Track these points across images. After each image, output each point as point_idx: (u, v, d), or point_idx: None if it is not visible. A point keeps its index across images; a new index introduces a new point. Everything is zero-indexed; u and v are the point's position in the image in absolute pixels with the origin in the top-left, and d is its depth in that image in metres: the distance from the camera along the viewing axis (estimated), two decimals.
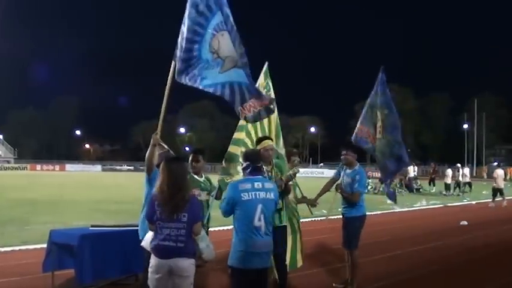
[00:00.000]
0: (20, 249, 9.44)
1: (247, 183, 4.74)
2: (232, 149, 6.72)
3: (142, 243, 4.73)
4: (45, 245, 6.67)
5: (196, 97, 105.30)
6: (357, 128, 7.33)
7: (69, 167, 77.16)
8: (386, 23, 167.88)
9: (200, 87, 5.53)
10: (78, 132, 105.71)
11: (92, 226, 6.77)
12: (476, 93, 78.79)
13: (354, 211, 7.02)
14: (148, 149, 5.52)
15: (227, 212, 4.75)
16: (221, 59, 5.49)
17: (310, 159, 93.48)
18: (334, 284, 7.14)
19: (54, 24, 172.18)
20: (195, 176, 6.24)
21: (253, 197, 4.66)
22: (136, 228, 5.63)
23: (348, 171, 7.13)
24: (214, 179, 6.60)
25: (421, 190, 30.00)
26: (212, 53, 5.54)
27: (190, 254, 4.39)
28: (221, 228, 10.74)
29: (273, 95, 6.94)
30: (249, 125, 6.68)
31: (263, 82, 7.06)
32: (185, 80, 5.53)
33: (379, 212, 17.60)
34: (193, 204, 4.44)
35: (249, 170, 4.81)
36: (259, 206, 4.64)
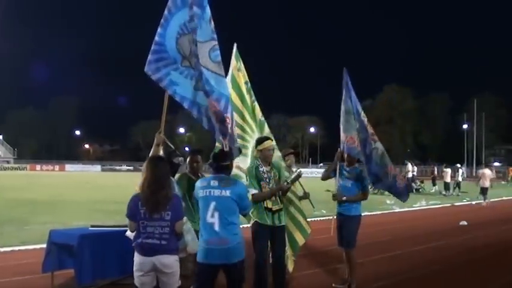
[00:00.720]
0: (19, 250, 9.42)
1: (205, 181, 4.90)
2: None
3: (127, 233, 4.87)
4: (44, 245, 6.65)
5: None
6: (342, 137, 7.15)
7: (68, 167, 77.14)
8: (385, 22, 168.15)
9: (169, 92, 5.40)
10: (77, 132, 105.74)
11: (92, 226, 6.75)
12: (476, 93, 78.99)
13: (353, 210, 7.01)
14: (152, 148, 5.49)
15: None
16: (193, 70, 5.32)
17: (310, 159, 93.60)
18: (333, 285, 7.13)
19: (54, 24, 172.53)
20: (193, 177, 6.06)
21: (207, 194, 4.78)
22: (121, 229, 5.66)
23: (347, 168, 7.13)
24: None
25: (420, 190, 29.98)
26: (182, 56, 5.39)
27: (174, 250, 4.50)
28: None
29: (246, 77, 6.97)
30: (237, 117, 6.56)
31: (236, 64, 6.99)
32: (152, 72, 5.38)
33: (378, 212, 17.58)
34: (176, 202, 4.53)
35: (214, 167, 4.93)
36: (212, 203, 4.73)
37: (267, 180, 6.00)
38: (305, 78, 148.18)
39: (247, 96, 6.97)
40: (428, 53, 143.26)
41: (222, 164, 4.92)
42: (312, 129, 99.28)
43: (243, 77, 7.00)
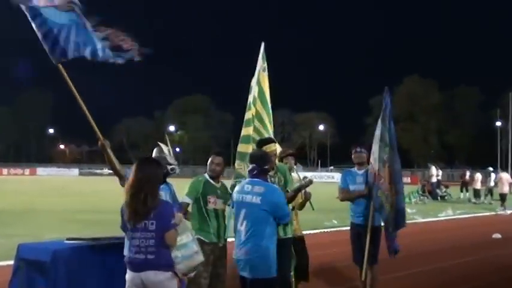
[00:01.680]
0: None
1: (240, 184, 5.23)
2: (241, 147, 6.84)
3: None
4: (12, 262, 6.61)
5: (187, 90, 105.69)
6: (373, 167, 6.99)
7: (40, 170, 77.22)
8: (405, 4, 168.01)
9: (87, 56, 5.34)
10: (51, 131, 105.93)
11: (68, 239, 6.71)
12: (511, 86, 78.87)
13: (375, 220, 7.00)
14: (107, 158, 5.41)
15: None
16: (73, 8, 5.19)
17: (319, 161, 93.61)
18: None
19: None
20: (212, 182, 6.12)
21: (240, 199, 5.08)
22: (120, 241, 5.62)
23: (359, 172, 7.13)
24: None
25: (446, 197, 29.97)
26: (54, 7, 5.19)
27: (165, 266, 4.42)
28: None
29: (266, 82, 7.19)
30: (256, 121, 6.86)
31: (262, 64, 7.19)
32: (61, 55, 5.32)
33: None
34: (163, 210, 4.44)
35: (254, 172, 5.12)
36: (243, 210, 5.01)
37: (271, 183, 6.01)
38: (313, 69, 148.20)
39: (269, 102, 7.16)
40: (455, 40, 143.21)
41: (261, 167, 5.12)
42: (321, 127, 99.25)
43: (267, 79, 7.21)
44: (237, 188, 5.24)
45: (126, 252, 4.64)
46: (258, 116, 7.01)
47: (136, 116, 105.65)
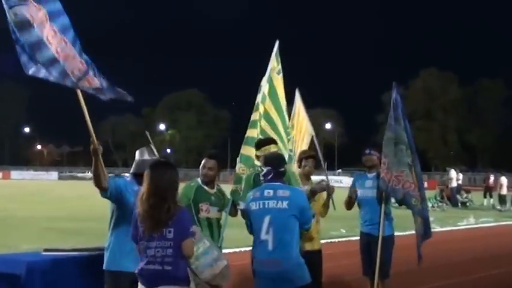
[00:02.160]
0: None
1: (257, 191, 5.26)
2: (245, 150, 6.85)
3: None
4: None
5: (179, 85, 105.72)
6: (384, 174, 6.97)
7: (15, 174, 77.21)
8: None
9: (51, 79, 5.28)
10: (27, 130, 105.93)
11: (45, 250, 6.72)
12: None
13: (388, 228, 7.00)
14: (93, 167, 5.34)
15: (247, 225, 5.38)
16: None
17: (325, 163, 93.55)
18: None
19: None
20: (205, 187, 6.14)
21: (261, 206, 5.12)
22: (102, 253, 5.62)
23: (369, 176, 7.14)
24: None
25: (467, 204, 29.96)
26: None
27: (183, 280, 4.50)
28: (233, 250, 10.82)
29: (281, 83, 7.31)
30: (263, 121, 6.95)
31: (275, 66, 7.30)
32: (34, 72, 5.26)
33: (413, 232, 17.51)
34: (182, 217, 4.52)
35: (270, 176, 5.26)
36: (267, 218, 5.04)
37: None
38: (318, 61, 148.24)
39: (283, 107, 7.29)
40: (477, 28, 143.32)
41: (277, 170, 5.24)
42: (327, 126, 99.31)
43: (281, 82, 7.34)
44: (252, 195, 5.27)
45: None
46: (268, 117, 7.07)
47: (123, 113, 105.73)
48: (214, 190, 6.23)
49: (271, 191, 5.13)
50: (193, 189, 6.07)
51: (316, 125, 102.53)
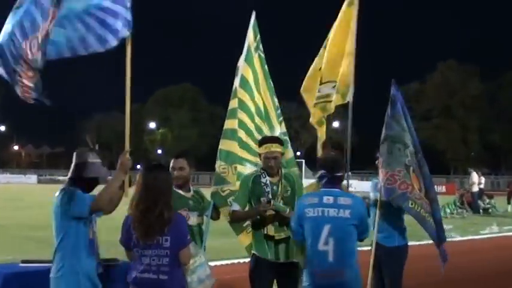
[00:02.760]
0: None
1: (315, 196, 5.39)
2: (224, 144, 6.78)
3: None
4: None
5: (171, 79, 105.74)
6: (381, 174, 7.11)
7: None
8: None
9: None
10: (2, 128, 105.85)
11: (23, 262, 6.72)
12: None
13: (399, 238, 6.99)
14: (116, 177, 5.31)
15: (295, 231, 5.45)
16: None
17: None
18: None
19: None
20: (180, 191, 6.10)
21: (319, 214, 5.25)
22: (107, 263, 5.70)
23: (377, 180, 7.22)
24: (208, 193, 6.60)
25: (490, 210, 29.94)
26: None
27: None
28: (218, 262, 10.77)
29: (262, 54, 7.33)
30: (239, 111, 6.88)
31: (253, 40, 7.23)
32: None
33: (431, 241, 17.49)
34: (178, 224, 4.69)
35: (324, 180, 5.41)
36: (327, 227, 5.19)
37: (269, 195, 6.04)
38: None
39: (263, 84, 7.30)
40: (500, 18, 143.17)
41: (333, 174, 5.37)
42: (335, 124, 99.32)
43: (259, 59, 7.29)
44: (307, 201, 5.37)
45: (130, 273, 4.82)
46: (249, 105, 7.03)
47: (109, 110, 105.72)
48: (191, 193, 6.20)
49: (331, 198, 5.28)
50: None
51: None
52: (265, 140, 6.32)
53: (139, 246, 4.62)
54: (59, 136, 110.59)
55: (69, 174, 5.56)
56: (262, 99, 7.20)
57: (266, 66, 7.35)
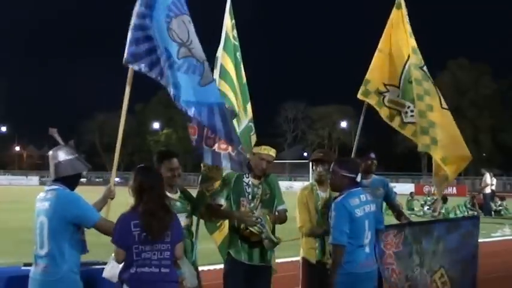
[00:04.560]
0: None
1: (354, 197, 5.83)
2: None
3: (105, 274, 5.27)
4: None
5: None
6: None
7: None
8: None
9: (172, 98, 6.02)
10: (3, 129, 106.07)
11: (25, 265, 6.74)
12: None
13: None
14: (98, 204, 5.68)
15: (345, 235, 5.69)
16: (193, 60, 5.89)
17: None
18: None
19: None
20: (168, 194, 6.11)
21: (363, 212, 5.81)
22: (88, 267, 5.77)
23: (365, 182, 7.36)
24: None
25: (502, 212, 29.87)
26: (178, 44, 5.85)
27: (175, 281, 5.03)
28: (211, 267, 10.76)
29: (237, 42, 7.51)
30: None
31: (230, 27, 7.41)
32: (146, 66, 5.98)
33: None
34: (177, 220, 5.09)
35: (354, 182, 5.92)
36: (367, 222, 5.82)
37: (249, 197, 6.19)
38: (333, 52, 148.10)
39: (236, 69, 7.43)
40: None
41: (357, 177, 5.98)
42: (343, 124, 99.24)
43: (233, 47, 7.45)
44: (352, 202, 5.77)
45: (109, 267, 5.23)
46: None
47: (111, 110, 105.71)
48: (178, 194, 6.19)
49: (364, 196, 5.90)
50: None
51: (330, 123, 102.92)
52: (264, 143, 6.43)
53: (141, 243, 4.84)
54: (61, 137, 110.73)
55: (52, 177, 5.61)
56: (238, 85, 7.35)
57: (239, 53, 7.48)
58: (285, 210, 6.43)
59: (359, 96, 8.26)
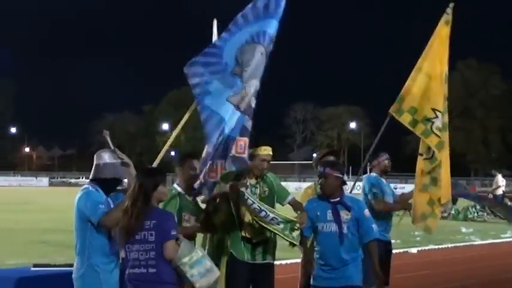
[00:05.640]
0: None
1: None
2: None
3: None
4: None
5: (184, 80, 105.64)
6: None
7: (0, 179, 77.39)
8: None
9: (196, 100, 6.50)
10: (13, 130, 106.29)
11: (35, 266, 6.77)
12: None
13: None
14: (123, 201, 5.29)
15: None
16: (240, 79, 6.28)
17: (350, 167, 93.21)
18: None
19: None
20: (186, 195, 6.15)
21: None
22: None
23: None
24: None
25: None
26: (236, 62, 6.33)
27: (168, 283, 4.85)
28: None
29: None
30: None
31: None
32: (191, 75, 6.50)
33: (450, 245, 17.55)
34: (163, 219, 4.89)
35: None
36: None
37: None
38: (342, 52, 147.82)
39: None
40: None
41: None
42: (352, 125, 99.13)
43: None
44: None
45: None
46: None
47: (121, 111, 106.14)
48: (191, 197, 6.25)
49: None
50: (177, 198, 6.04)
51: (339, 124, 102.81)
52: (263, 144, 6.43)
53: (128, 242, 4.82)
54: (71, 138, 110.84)
55: (90, 176, 5.63)
56: None
57: None
58: (294, 199, 6.40)
59: (392, 113, 7.89)
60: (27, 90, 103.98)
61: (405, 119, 7.70)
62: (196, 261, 5.01)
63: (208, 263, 5.13)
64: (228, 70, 6.32)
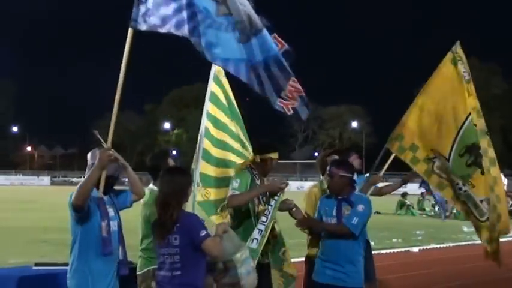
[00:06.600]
0: None
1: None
2: (202, 167, 7.26)
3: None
4: None
5: (186, 79, 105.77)
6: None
7: (2, 179, 77.53)
8: None
9: (208, 58, 5.72)
10: (15, 129, 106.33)
11: (36, 265, 6.77)
12: None
13: None
14: (91, 172, 5.28)
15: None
16: (233, 18, 5.64)
17: None
18: None
19: None
20: None
21: None
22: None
23: None
24: None
25: None
26: (215, 2, 5.65)
27: (193, 285, 4.88)
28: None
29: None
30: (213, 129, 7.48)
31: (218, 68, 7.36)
32: (175, 31, 5.79)
33: (451, 244, 17.59)
34: (187, 223, 4.85)
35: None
36: None
37: (263, 198, 6.35)
38: (344, 51, 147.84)
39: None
40: None
41: None
42: (354, 124, 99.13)
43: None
44: None
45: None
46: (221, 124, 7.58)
47: (123, 110, 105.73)
48: None
49: None
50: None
51: (341, 123, 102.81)
52: (268, 147, 6.55)
53: (157, 245, 4.93)
54: (72, 137, 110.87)
55: (84, 175, 5.60)
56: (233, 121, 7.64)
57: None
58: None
59: (391, 149, 7.75)
60: (28, 90, 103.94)
61: (407, 157, 7.62)
62: (246, 258, 5.12)
63: (252, 263, 5.23)
64: (213, 16, 5.69)
